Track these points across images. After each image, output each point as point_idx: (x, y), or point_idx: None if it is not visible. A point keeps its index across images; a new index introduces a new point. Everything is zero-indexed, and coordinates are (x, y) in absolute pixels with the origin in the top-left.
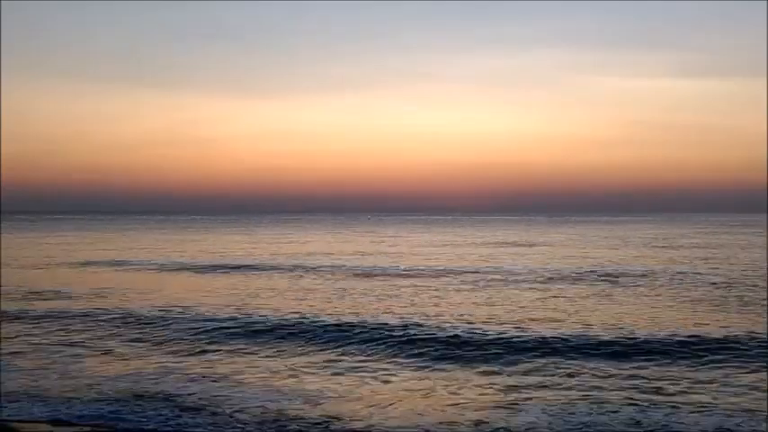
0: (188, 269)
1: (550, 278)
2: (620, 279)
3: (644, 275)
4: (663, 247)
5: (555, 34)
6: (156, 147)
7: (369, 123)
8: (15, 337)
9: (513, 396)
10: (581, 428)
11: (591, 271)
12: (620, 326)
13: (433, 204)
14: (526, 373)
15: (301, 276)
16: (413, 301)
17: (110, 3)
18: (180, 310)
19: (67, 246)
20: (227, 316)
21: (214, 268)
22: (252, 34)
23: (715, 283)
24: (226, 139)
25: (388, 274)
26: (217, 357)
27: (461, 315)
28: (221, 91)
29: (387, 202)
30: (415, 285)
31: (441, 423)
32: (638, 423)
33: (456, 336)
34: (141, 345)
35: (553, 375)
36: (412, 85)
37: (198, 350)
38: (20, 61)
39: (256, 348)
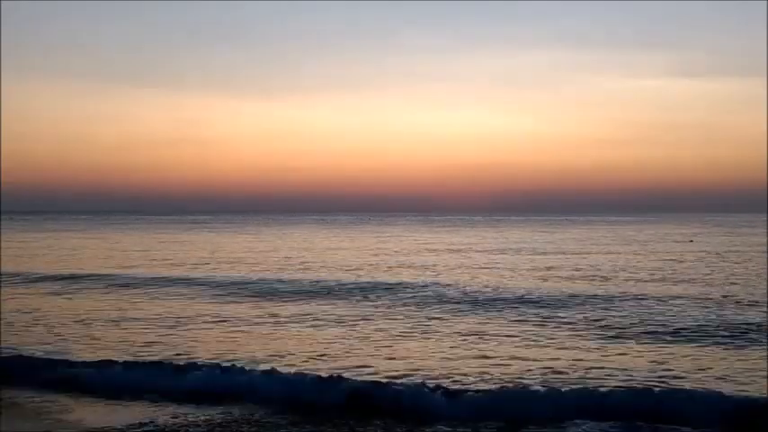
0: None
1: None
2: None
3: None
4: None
5: (555, 34)
6: (156, 147)
7: (368, 123)
8: None
9: None
10: None
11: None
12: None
13: (433, 205)
14: None
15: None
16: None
17: (110, 3)
18: None
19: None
20: None
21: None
22: (252, 34)
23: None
24: (226, 139)
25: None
26: None
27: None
28: (221, 91)
29: (387, 203)
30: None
31: None
32: None
33: None
34: None
35: None
36: (412, 85)
37: None
38: (20, 61)
39: None
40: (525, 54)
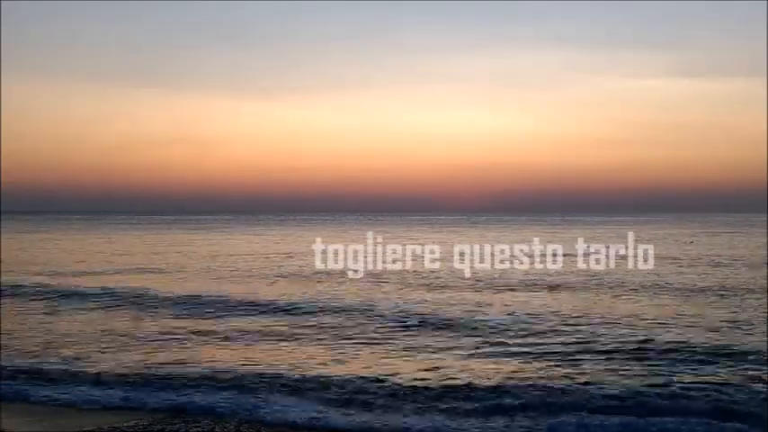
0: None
1: None
2: None
3: None
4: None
5: (555, 34)
6: (156, 147)
7: (368, 123)
8: None
9: None
10: None
11: None
12: None
13: (433, 205)
14: None
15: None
16: None
17: (109, 3)
18: None
19: None
20: None
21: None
22: (252, 34)
23: None
24: (226, 139)
25: None
26: None
27: None
28: (221, 91)
29: (387, 203)
30: None
31: None
32: None
33: None
34: None
35: None
36: (412, 85)
37: None
38: (20, 61)
39: None
40: (525, 54)
